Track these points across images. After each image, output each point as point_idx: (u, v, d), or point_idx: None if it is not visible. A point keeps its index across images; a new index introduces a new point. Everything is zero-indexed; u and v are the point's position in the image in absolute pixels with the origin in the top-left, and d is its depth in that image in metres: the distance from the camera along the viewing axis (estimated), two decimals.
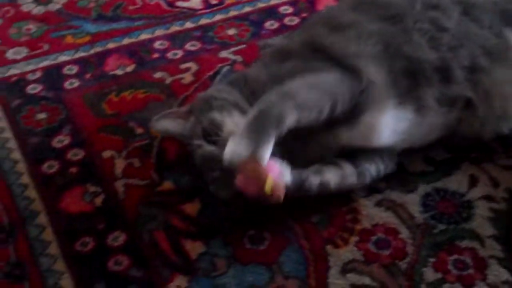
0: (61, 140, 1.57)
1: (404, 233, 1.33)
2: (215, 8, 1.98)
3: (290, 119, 1.24)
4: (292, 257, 1.31)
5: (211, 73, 1.73)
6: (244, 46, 1.83)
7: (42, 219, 1.40)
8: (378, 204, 1.39)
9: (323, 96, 1.29)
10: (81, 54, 1.83)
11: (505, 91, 1.40)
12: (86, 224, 1.39)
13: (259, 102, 1.27)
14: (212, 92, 1.43)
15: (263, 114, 1.23)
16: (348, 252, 1.31)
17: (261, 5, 1.99)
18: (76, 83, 1.73)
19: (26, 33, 1.92)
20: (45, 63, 1.80)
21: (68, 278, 1.30)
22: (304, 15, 1.93)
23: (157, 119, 1.43)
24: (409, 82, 1.36)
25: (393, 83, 1.35)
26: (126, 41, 1.86)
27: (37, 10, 2.00)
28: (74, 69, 1.77)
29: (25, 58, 1.82)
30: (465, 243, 1.31)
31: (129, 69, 1.77)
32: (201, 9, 1.98)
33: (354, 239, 1.33)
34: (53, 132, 1.59)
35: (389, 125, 1.36)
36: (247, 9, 1.97)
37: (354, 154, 1.37)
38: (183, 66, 1.77)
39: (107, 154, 1.53)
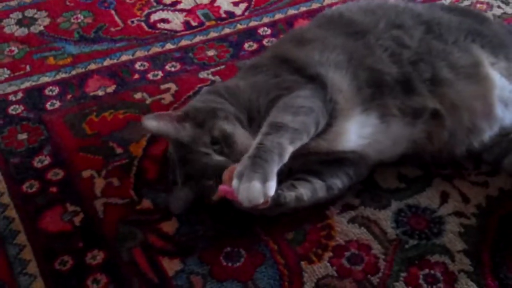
0: (41, 160, 1.59)
1: (377, 249, 1.36)
2: (195, 30, 2.02)
3: (289, 150, 1.30)
4: (267, 273, 1.33)
5: (190, 93, 1.77)
6: (223, 67, 1.86)
7: (22, 238, 1.42)
8: (352, 220, 1.42)
9: (307, 119, 1.35)
10: (62, 75, 1.86)
11: (473, 105, 1.45)
12: (65, 243, 1.41)
13: (257, 138, 1.31)
14: (208, 102, 1.45)
15: (265, 150, 1.27)
16: (322, 268, 1.34)
17: (240, 26, 2.03)
18: (57, 104, 1.76)
19: (9, 54, 1.95)
20: (27, 84, 1.83)
21: None
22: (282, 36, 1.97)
23: (150, 117, 1.43)
24: (373, 91, 1.43)
25: (358, 90, 1.42)
26: (107, 62, 1.90)
27: (20, 31, 2.03)
28: (55, 90, 1.80)
29: (7, 80, 1.85)
30: (435, 258, 1.34)
31: (110, 89, 1.80)
32: (181, 31, 2.02)
33: (328, 255, 1.36)
34: (33, 152, 1.62)
35: (355, 130, 1.41)
36: (227, 30, 2.01)
37: (319, 171, 1.41)
38: (163, 86, 1.80)
39: (86, 173, 1.56)
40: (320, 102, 1.39)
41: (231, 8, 2.11)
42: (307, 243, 1.38)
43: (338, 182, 1.42)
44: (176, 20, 2.06)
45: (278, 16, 2.07)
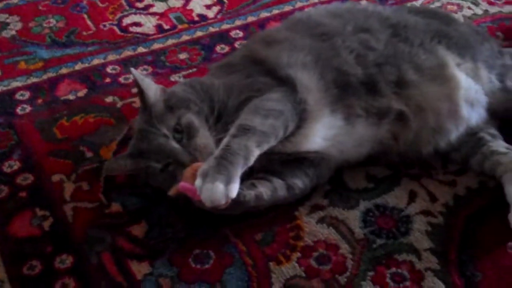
0: (11, 165, 1.59)
1: (345, 249, 1.37)
2: (167, 33, 2.03)
3: (255, 153, 1.30)
4: (235, 275, 1.33)
5: None
6: (195, 69, 1.87)
7: None
8: (321, 220, 1.43)
9: (276, 122, 1.35)
10: (33, 80, 1.85)
11: (438, 106, 1.47)
12: (34, 247, 1.41)
13: (225, 140, 1.31)
14: (186, 92, 1.46)
15: (231, 152, 1.28)
16: (290, 268, 1.34)
17: (213, 29, 2.03)
18: (27, 108, 1.75)
19: None
20: None
21: None
22: None
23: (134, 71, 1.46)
24: (339, 91, 1.44)
25: (325, 90, 1.43)
26: (78, 66, 1.90)
27: None
28: (26, 94, 1.80)
29: None
30: (402, 257, 1.35)
31: (81, 94, 1.80)
32: (154, 34, 2.02)
33: (296, 255, 1.36)
34: (3, 157, 1.61)
35: (321, 132, 1.42)
36: (199, 33, 2.02)
37: (280, 170, 1.42)
38: (135, 90, 1.79)
39: (56, 178, 1.55)
40: (290, 105, 1.40)
41: (203, 11, 2.12)
42: (276, 244, 1.39)
43: (299, 182, 1.42)
44: (148, 24, 2.07)
45: (251, 18, 2.08)
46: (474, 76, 1.52)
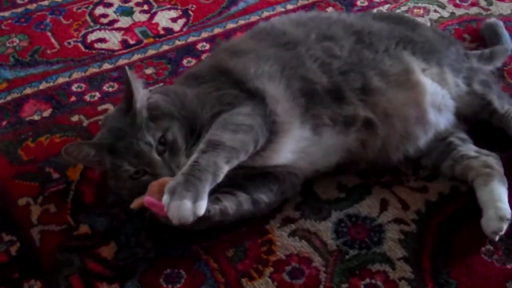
0: None
1: (318, 261, 1.35)
2: (133, 48, 2.00)
3: (224, 170, 1.29)
4: None
5: None
6: (161, 84, 1.84)
7: None
8: (292, 233, 1.41)
9: (246, 137, 1.34)
10: None
11: (405, 112, 1.46)
12: (1, 274, 1.37)
13: (193, 156, 1.29)
14: (167, 103, 1.42)
15: (200, 169, 1.26)
16: (262, 284, 1.32)
17: (179, 42, 2.01)
18: None
19: None
20: None
21: None
22: None
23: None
24: (306, 100, 1.43)
25: (293, 100, 1.42)
26: (43, 85, 1.86)
27: None
28: None
29: None
30: (376, 267, 1.34)
31: (46, 113, 1.77)
32: (119, 50, 2.00)
33: (268, 270, 1.34)
34: None
35: (290, 146, 1.41)
36: (165, 47, 2.00)
37: (244, 185, 1.40)
38: (101, 107, 1.77)
39: (22, 201, 1.52)
40: (260, 119, 1.38)
41: (169, 24, 2.10)
42: (248, 260, 1.37)
43: (264, 197, 1.40)
44: (113, 39, 2.04)
45: (217, 30, 2.06)
46: (440, 81, 1.52)
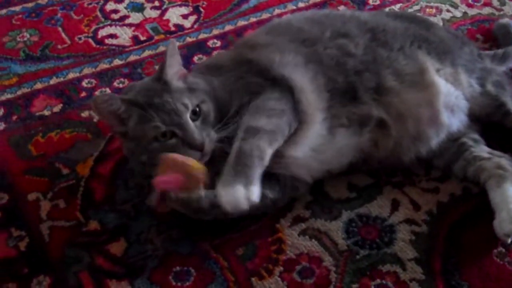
0: None
1: (328, 261, 1.35)
2: (144, 44, 1.99)
3: (269, 152, 1.29)
4: None
5: None
6: None
7: None
8: (303, 233, 1.40)
9: (280, 120, 1.35)
10: (7, 96, 1.81)
11: (418, 112, 1.45)
12: (10, 269, 1.37)
13: (234, 145, 1.29)
14: (205, 81, 1.43)
15: (245, 155, 1.26)
16: (272, 283, 1.31)
17: (190, 39, 2.00)
18: (1, 125, 1.71)
19: None
20: None
21: None
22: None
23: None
24: (330, 97, 1.42)
25: (318, 94, 1.42)
26: (53, 80, 1.86)
27: None
28: (0, 111, 1.76)
29: None
30: (387, 268, 1.33)
31: (56, 109, 1.76)
32: (130, 46, 1.99)
33: (278, 269, 1.34)
34: None
35: (310, 139, 1.40)
36: (177, 44, 1.98)
37: None
38: None
39: (32, 196, 1.52)
40: (290, 103, 1.38)
41: (180, 21, 2.09)
42: (258, 259, 1.36)
43: (268, 192, 1.39)
44: (124, 35, 2.03)
45: (228, 27, 2.05)
46: (454, 82, 1.50)
